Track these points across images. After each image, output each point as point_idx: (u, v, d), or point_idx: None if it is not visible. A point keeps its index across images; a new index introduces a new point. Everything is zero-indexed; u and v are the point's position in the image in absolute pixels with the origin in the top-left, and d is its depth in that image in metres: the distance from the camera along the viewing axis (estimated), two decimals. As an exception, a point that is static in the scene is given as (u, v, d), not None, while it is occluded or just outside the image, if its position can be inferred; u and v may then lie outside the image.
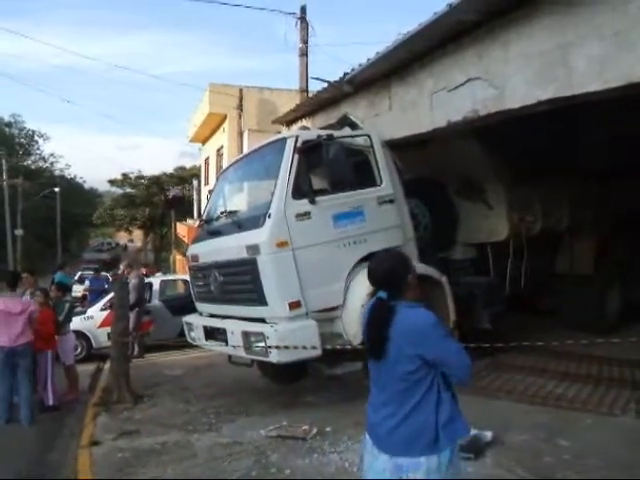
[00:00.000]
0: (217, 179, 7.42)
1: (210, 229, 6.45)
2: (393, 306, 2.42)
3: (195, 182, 28.88)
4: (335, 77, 7.06)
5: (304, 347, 5.05)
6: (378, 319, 2.43)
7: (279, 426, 5.50)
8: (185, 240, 27.95)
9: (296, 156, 5.48)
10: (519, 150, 7.06)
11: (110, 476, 4.86)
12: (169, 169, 46.68)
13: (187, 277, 13.64)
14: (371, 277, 2.60)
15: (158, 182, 44.87)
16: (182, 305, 11.66)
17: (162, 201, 42.24)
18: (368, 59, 5.85)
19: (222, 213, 6.20)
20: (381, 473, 2.40)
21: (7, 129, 48.57)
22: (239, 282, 5.68)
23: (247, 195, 5.90)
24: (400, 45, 5.12)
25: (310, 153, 5.54)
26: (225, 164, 18.25)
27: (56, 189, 42.67)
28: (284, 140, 5.71)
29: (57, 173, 53.74)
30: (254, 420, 5.92)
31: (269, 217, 5.29)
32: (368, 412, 2.55)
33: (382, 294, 2.47)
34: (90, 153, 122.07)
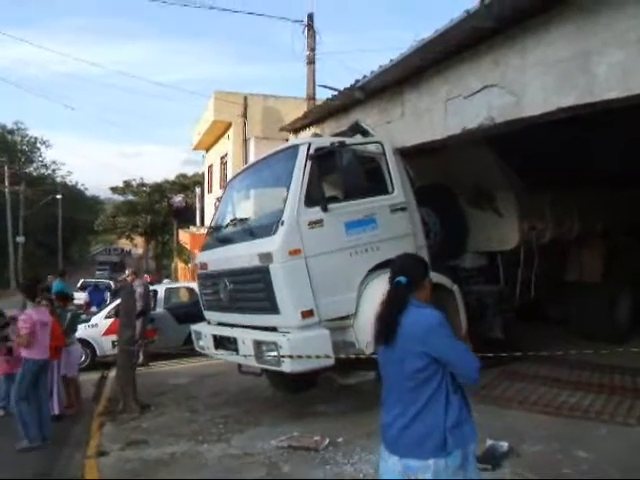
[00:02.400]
0: (226, 186, 7.37)
1: (220, 237, 6.39)
2: (407, 297, 2.48)
3: (198, 190, 28.87)
4: (342, 85, 7.07)
5: (317, 356, 4.98)
6: (394, 300, 2.51)
7: (290, 436, 5.42)
8: (187, 247, 27.93)
9: (309, 163, 5.44)
10: (530, 158, 7.02)
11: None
12: (171, 177, 46.80)
13: (191, 285, 13.71)
14: (394, 264, 2.70)
15: (160, 190, 44.94)
16: (187, 313, 11.64)
17: (165, 208, 42.21)
18: (380, 66, 5.82)
19: (232, 220, 6.15)
20: (392, 474, 2.43)
21: (9, 136, 48.66)
22: (250, 290, 5.62)
23: (258, 202, 5.85)
24: (416, 51, 5.08)
25: (322, 160, 5.50)
26: (229, 172, 18.29)
27: (58, 196, 42.66)
28: (296, 147, 5.67)
29: (59, 180, 53.83)
30: (264, 430, 5.84)
31: (282, 224, 5.24)
32: (381, 413, 2.58)
33: (402, 279, 2.52)
34: (92, 160, 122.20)
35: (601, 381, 6.69)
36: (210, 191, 23.62)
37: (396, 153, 6.17)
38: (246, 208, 6.03)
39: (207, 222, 23.28)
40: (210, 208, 22.79)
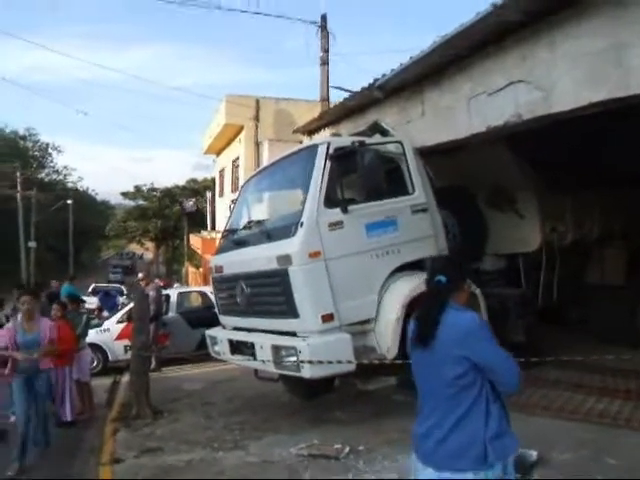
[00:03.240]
0: (241, 188, 7.26)
1: (236, 239, 6.26)
2: (448, 297, 2.34)
3: (209, 194, 28.84)
4: (356, 87, 6.95)
5: (339, 362, 4.83)
6: (434, 299, 2.38)
7: (310, 444, 5.27)
8: (199, 252, 27.90)
9: (328, 163, 5.31)
10: (551, 157, 6.87)
11: (134, 496, 4.67)
12: (181, 182, 46.95)
13: (204, 289, 13.62)
14: (433, 264, 2.66)
15: (170, 195, 45.08)
16: (200, 317, 11.55)
17: (176, 213, 42.38)
18: (401, 64, 5.68)
19: (249, 223, 6.02)
20: None
21: (22, 142, 49.06)
22: (268, 294, 5.49)
23: (275, 204, 5.73)
24: (438, 47, 4.95)
25: (342, 160, 5.37)
26: (241, 175, 18.20)
27: (69, 201, 42.84)
28: (315, 147, 5.55)
29: (70, 185, 54.15)
30: (282, 438, 5.69)
31: (301, 226, 5.11)
32: (416, 423, 2.44)
33: (442, 278, 2.39)
34: (103, 165, 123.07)
35: (627, 387, 6.50)
36: (222, 195, 23.54)
37: (416, 153, 6.03)
38: (263, 210, 5.90)
39: (218, 226, 23.21)
40: (221, 212, 22.73)
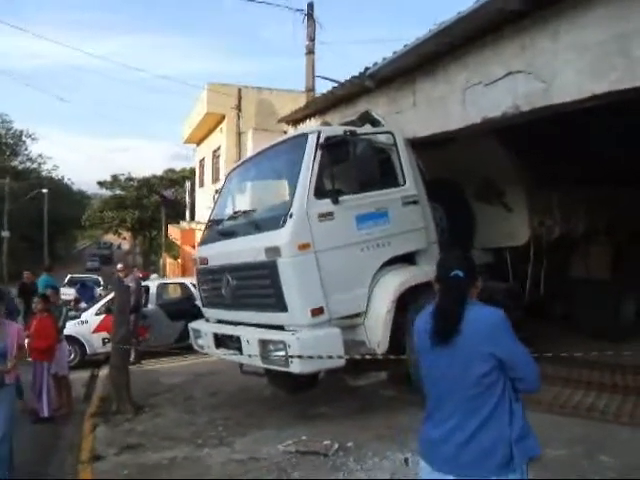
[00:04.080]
0: (226, 178, 7.06)
1: (221, 230, 6.08)
2: (468, 291, 2.23)
3: (188, 184, 28.43)
4: (341, 77, 6.79)
5: (330, 357, 4.71)
6: (454, 293, 2.21)
7: (297, 440, 5.14)
8: (178, 243, 27.52)
9: (319, 152, 5.16)
10: (542, 152, 6.83)
11: (117, 496, 4.49)
12: (159, 172, 46.31)
13: (184, 280, 13.38)
14: (447, 259, 2.44)
15: (148, 184, 44.46)
16: (180, 310, 11.35)
17: (153, 203, 41.80)
18: (394, 52, 5.54)
19: (235, 213, 5.83)
20: None
21: (-6, 129, 47.75)
22: (255, 286, 5.34)
23: (263, 194, 5.55)
24: (434, 36, 4.81)
25: (333, 150, 5.23)
26: (222, 165, 17.92)
27: (44, 190, 41.88)
28: (305, 136, 5.39)
29: (45, 174, 52.90)
30: (268, 433, 5.55)
31: (291, 217, 4.96)
32: (426, 428, 2.28)
33: (459, 272, 2.24)
34: (78, 154, 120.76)
35: (613, 381, 6.53)
36: (202, 185, 23.19)
37: (407, 144, 5.92)
38: (249, 200, 5.71)
39: (198, 217, 22.88)
40: (202, 203, 22.39)
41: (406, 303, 5.39)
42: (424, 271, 5.72)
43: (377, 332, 5.18)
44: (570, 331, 8.51)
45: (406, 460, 4.50)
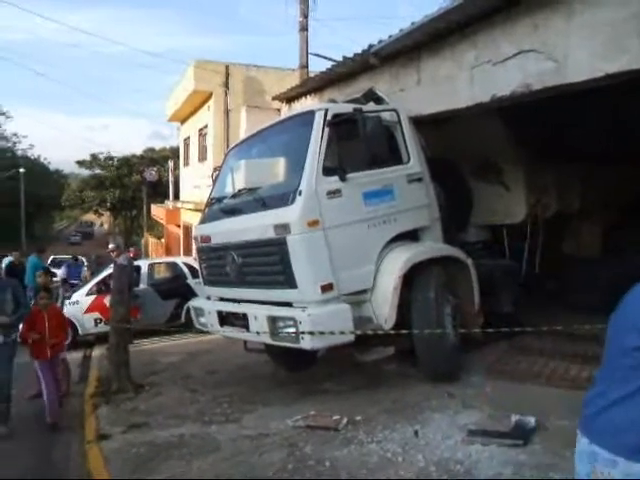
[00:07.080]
0: (226, 155, 6.98)
1: (224, 208, 6.03)
2: None
3: (171, 163, 28.01)
4: (336, 55, 6.71)
5: (341, 332, 4.74)
6: None
7: (306, 416, 5.19)
8: (162, 222, 27.22)
9: (326, 130, 5.14)
10: (538, 130, 6.88)
11: (130, 475, 4.48)
12: (139, 151, 45.60)
13: (176, 260, 13.30)
14: None
15: (128, 164, 43.75)
16: (171, 289, 11.32)
17: (134, 182, 41.15)
18: (401, 29, 5.49)
19: (239, 191, 5.78)
20: (580, 458, 2.02)
21: (-35, 107, 46.23)
22: (263, 264, 5.32)
23: (268, 172, 5.49)
24: (445, 13, 4.76)
25: (340, 127, 5.21)
26: (210, 143, 17.66)
27: (21, 170, 40.88)
28: (312, 113, 5.35)
29: (20, 153, 51.58)
30: (275, 409, 5.59)
31: (300, 194, 4.94)
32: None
33: None
34: (55, 132, 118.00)
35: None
36: (187, 164, 22.84)
37: (410, 122, 5.91)
38: (254, 177, 5.63)
39: (183, 196, 22.61)
40: (188, 181, 22.10)
41: (410, 279, 5.44)
42: (429, 248, 5.78)
43: (384, 308, 5.22)
44: (561, 306, 8.67)
45: (416, 432, 4.58)
